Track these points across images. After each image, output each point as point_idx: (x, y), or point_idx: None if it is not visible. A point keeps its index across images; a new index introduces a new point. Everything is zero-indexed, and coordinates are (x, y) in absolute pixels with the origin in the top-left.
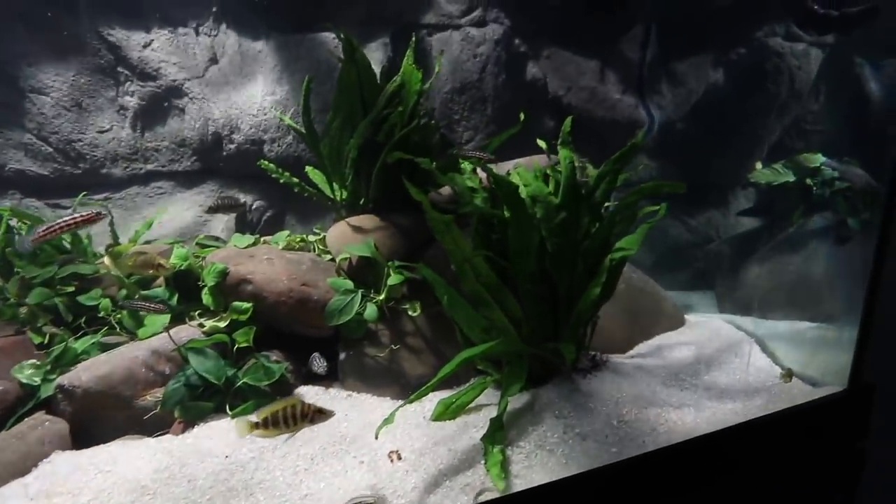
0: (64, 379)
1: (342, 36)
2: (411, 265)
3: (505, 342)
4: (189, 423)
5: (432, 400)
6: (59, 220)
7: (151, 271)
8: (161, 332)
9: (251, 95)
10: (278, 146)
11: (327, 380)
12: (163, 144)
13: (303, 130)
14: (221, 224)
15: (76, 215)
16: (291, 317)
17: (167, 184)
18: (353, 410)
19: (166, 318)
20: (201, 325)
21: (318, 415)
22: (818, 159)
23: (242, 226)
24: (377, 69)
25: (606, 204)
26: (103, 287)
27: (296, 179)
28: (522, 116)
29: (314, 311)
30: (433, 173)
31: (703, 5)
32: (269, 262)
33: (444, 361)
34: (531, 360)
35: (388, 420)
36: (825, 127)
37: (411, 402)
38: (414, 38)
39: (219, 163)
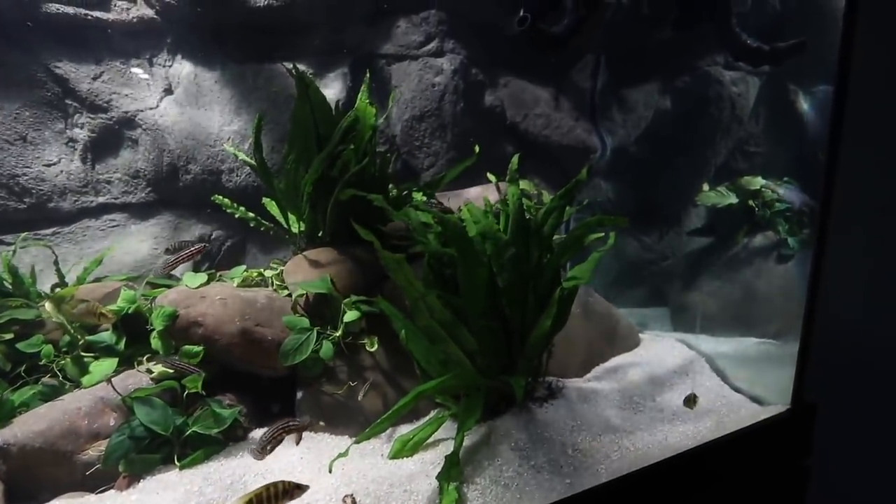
0: (1, 435)
1: (295, 71)
2: (370, 299)
3: (459, 375)
4: (135, 478)
5: (391, 436)
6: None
7: (94, 320)
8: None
9: (207, 126)
10: (237, 176)
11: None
12: (115, 176)
13: (253, 163)
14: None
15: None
16: (245, 358)
17: (120, 216)
18: (309, 452)
19: (113, 363)
20: (149, 371)
21: (297, 490)
22: (758, 182)
23: (203, 256)
24: (337, 99)
25: (555, 237)
26: (46, 332)
27: (251, 214)
28: (477, 148)
29: (268, 352)
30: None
31: (647, 38)
32: (221, 303)
33: (403, 395)
34: (488, 392)
35: (342, 454)
36: (766, 149)
37: (367, 438)
38: (368, 73)
39: (175, 193)
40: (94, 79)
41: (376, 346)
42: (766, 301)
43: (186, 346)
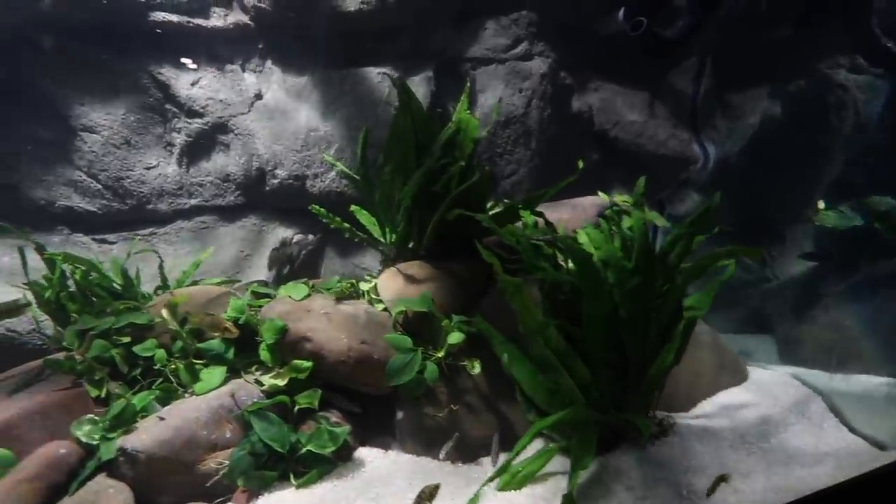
0: (126, 442)
1: (397, 82)
2: (469, 319)
3: (576, 411)
4: (253, 494)
5: (488, 464)
6: None
7: (218, 333)
8: (218, 388)
9: (295, 131)
10: (321, 181)
11: (384, 438)
12: (207, 179)
13: (355, 176)
14: (264, 259)
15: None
16: (351, 376)
17: (210, 218)
18: (416, 478)
19: (222, 372)
20: (259, 383)
21: None
22: (888, 202)
23: (284, 260)
24: (422, 104)
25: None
26: (156, 335)
27: (347, 225)
28: (581, 163)
29: (374, 371)
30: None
31: (759, 37)
32: (326, 318)
33: (504, 421)
34: (601, 427)
35: (473, 501)
36: (891, 162)
37: (507, 484)
38: (468, 82)
39: (261, 197)
40: (193, 84)
41: (478, 370)
42: (892, 336)
43: (296, 361)
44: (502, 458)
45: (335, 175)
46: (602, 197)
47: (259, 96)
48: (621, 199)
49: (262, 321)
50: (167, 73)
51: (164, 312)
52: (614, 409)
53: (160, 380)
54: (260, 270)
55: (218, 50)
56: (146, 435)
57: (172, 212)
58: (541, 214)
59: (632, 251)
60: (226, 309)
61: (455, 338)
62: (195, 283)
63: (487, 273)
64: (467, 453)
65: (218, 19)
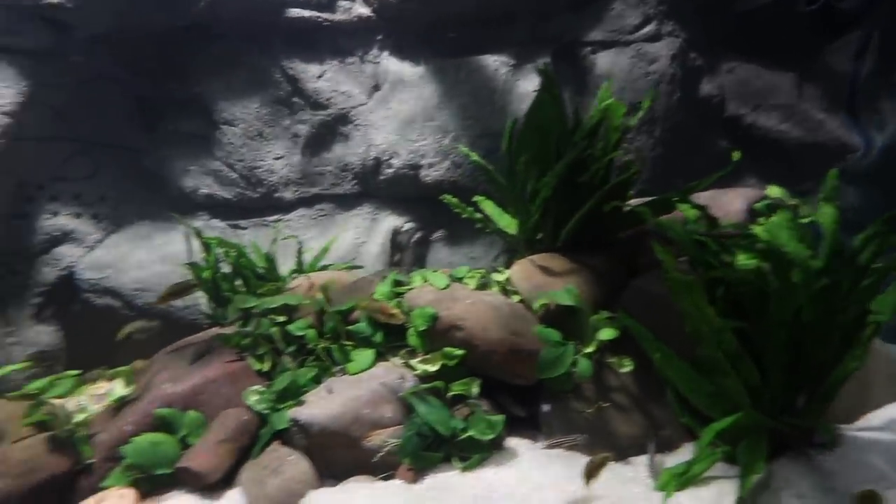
0: (300, 414)
1: (542, 70)
2: (614, 315)
3: (749, 415)
4: (419, 473)
5: (643, 462)
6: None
7: (382, 317)
8: (369, 369)
9: (411, 121)
10: (434, 171)
11: (527, 430)
12: (327, 169)
13: (489, 167)
14: (376, 246)
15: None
16: (502, 366)
17: (328, 206)
18: (571, 469)
19: (371, 355)
20: (410, 367)
21: None
22: None
23: (394, 247)
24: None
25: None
26: (303, 316)
27: (479, 215)
28: (737, 155)
29: (524, 362)
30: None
31: None
32: (473, 307)
33: (652, 421)
34: (770, 433)
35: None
36: None
37: (659, 482)
38: (609, 82)
39: (376, 186)
40: (318, 77)
41: (629, 368)
42: None
43: (447, 349)
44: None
45: (449, 165)
46: (749, 190)
47: (377, 87)
48: (777, 192)
49: (409, 308)
50: (297, 67)
51: (319, 295)
52: (785, 415)
53: (312, 357)
54: (373, 257)
55: (341, 43)
56: (317, 409)
57: (296, 199)
58: (703, 208)
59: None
60: (366, 293)
61: (608, 334)
62: (324, 267)
63: (625, 268)
64: (617, 452)
65: (343, 13)
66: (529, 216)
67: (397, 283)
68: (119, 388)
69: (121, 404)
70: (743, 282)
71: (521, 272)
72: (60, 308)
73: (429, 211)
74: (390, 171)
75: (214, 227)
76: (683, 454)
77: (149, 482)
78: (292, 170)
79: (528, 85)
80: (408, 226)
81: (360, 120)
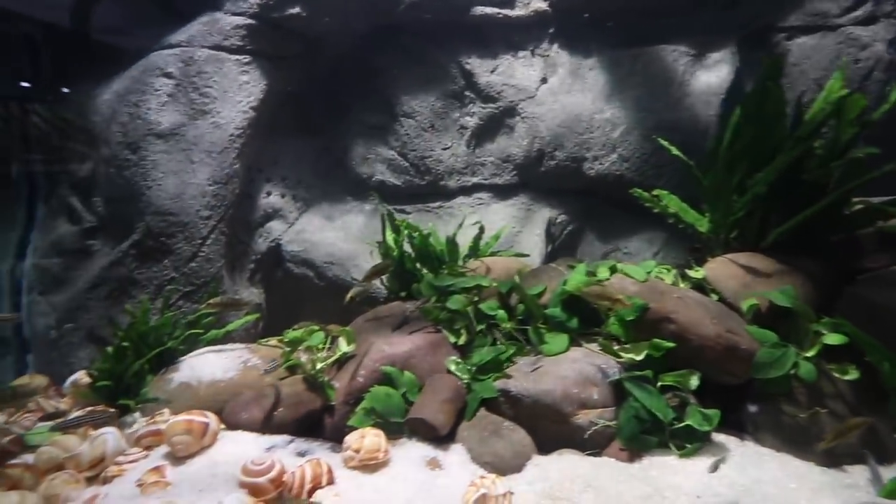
0: (510, 385)
1: (768, 58)
2: (835, 321)
3: None
4: (634, 454)
5: (842, 469)
6: None
7: (607, 303)
8: (564, 353)
9: (579, 113)
10: (599, 164)
11: (731, 429)
12: (489, 160)
13: (689, 161)
14: (532, 236)
15: None
16: (715, 362)
17: (486, 195)
18: (788, 469)
19: (565, 339)
20: (613, 354)
21: None
22: None
23: (546, 238)
24: (720, 84)
25: None
26: (487, 297)
27: (672, 210)
28: None
29: (739, 360)
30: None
31: None
32: (682, 301)
33: (871, 433)
34: None
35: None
36: None
37: (884, 490)
38: (841, 72)
39: (535, 177)
40: (492, 72)
41: (853, 376)
42: None
43: (655, 340)
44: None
45: (615, 158)
46: None
47: (544, 80)
48: None
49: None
50: (473, 62)
51: (517, 277)
52: None
53: (501, 336)
54: (528, 247)
55: (514, 37)
56: (528, 383)
57: (458, 188)
58: None
59: None
60: (553, 280)
61: (834, 339)
62: (493, 254)
63: (839, 274)
64: (831, 459)
65: (521, 8)
66: (732, 213)
67: (589, 273)
68: (343, 345)
69: (344, 359)
70: None
71: (723, 271)
72: (266, 274)
73: (583, 204)
74: (552, 162)
75: (382, 211)
76: None
77: (384, 427)
78: (457, 160)
79: (710, 76)
80: (561, 217)
81: (526, 112)
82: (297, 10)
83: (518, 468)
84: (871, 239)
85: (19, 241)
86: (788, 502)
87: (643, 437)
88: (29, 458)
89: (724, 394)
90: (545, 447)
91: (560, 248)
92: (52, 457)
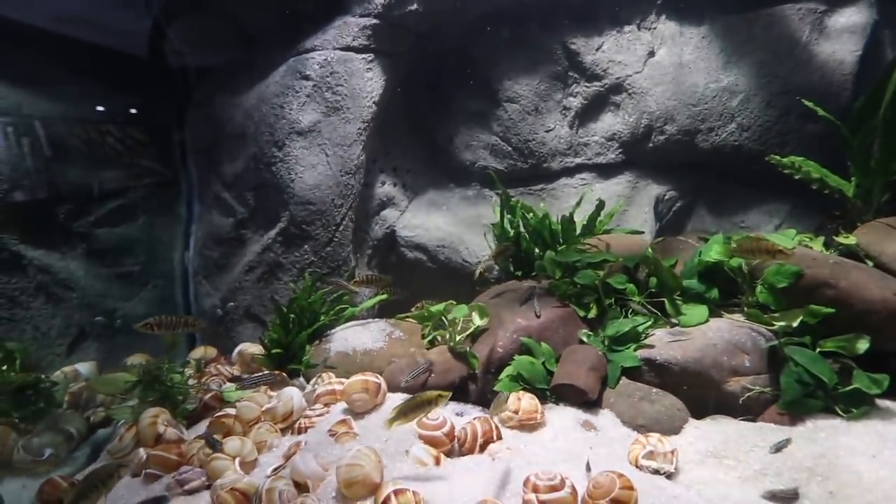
0: (654, 354)
1: None
2: None
3: None
4: (794, 418)
5: None
6: None
7: (765, 257)
8: (705, 323)
9: (692, 84)
10: (715, 136)
11: (890, 396)
12: (592, 139)
13: (838, 122)
14: (640, 214)
15: None
16: (879, 328)
17: (589, 175)
18: None
19: (704, 310)
20: (763, 322)
21: None
22: None
23: (656, 216)
24: (854, 42)
25: None
26: (610, 272)
27: (815, 175)
28: None
29: None
30: None
31: None
32: (840, 266)
33: None
34: None
35: None
36: None
37: None
38: None
39: (642, 154)
40: (597, 50)
41: None
42: None
43: (812, 306)
44: None
45: (734, 128)
46: None
47: (652, 53)
48: None
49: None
50: (577, 41)
51: (649, 250)
52: None
53: (630, 309)
54: (636, 225)
55: (618, 13)
56: (672, 351)
57: (561, 169)
58: None
59: None
60: (683, 253)
61: None
62: (607, 231)
63: None
64: None
65: None
66: (887, 174)
67: (728, 243)
68: (476, 319)
69: (477, 332)
70: None
71: (878, 235)
72: (382, 258)
73: (693, 179)
74: (662, 137)
75: (484, 196)
76: None
77: (531, 393)
78: (560, 141)
79: (842, 34)
80: (670, 194)
81: (634, 88)
82: (414, 6)
83: (675, 430)
84: None
85: (184, 233)
86: None
87: (806, 400)
88: (230, 411)
89: (885, 361)
90: (696, 413)
91: (667, 226)
92: (251, 410)
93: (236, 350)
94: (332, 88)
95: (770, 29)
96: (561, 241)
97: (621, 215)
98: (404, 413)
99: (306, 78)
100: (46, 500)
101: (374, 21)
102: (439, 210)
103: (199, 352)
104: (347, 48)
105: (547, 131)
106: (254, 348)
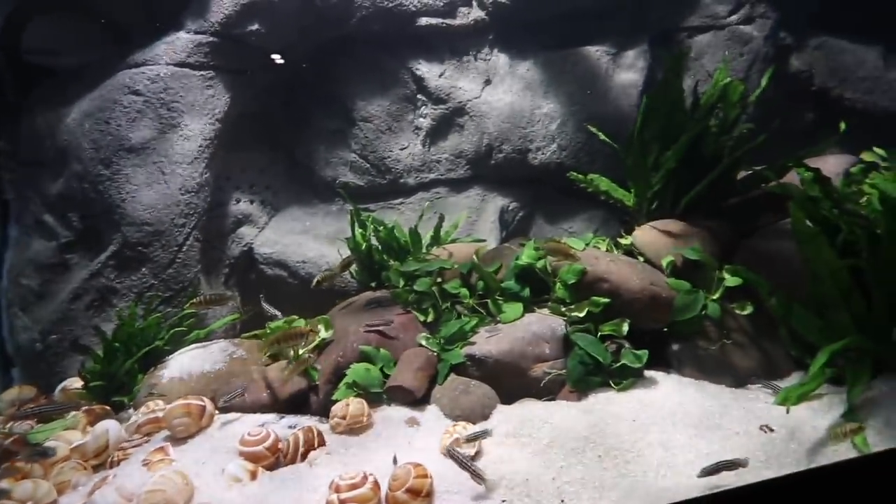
0: (475, 350)
1: (669, 53)
2: (733, 267)
3: (857, 339)
4: (581, 394)
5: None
6: None
7: (561, 258)
8: (520, 318)
9: (521, 110)
10: (542, 154)
11: (661, 367)
12: (443, 157)
13: (615, 144)
14: (487, 224)
15: None
16: (642, 312)
17: (443, 189)
18: (705, 390)
19: (520, 307)
20: (561, 314)
21: None
22: None
23: (500, 225)
24: (637, 78)
25: None
26: (450, 279)
27: (604, 188)
28: (843, 126)
29: (662, 308)
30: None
31: None
32: (614, 264)
33: (766, 356)
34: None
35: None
36: None
37: (798, 399)
38: (725, 64)
39: (486, 170)
40: (440, 76)
41: (749, 310)
42: None
43: (594, 298)
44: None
45: (555, 148)
46: (846, 156)
47: (488, 81)
48: (872, 156)
49: (556, 266)
50: (422, 67)
51: (474, 258)
52: (887, 342)
53: (464, 310)
54: (484, 233)
55: (458, 44)
56: (488, 346)
57: (417, 184)
58: (817, 171)
59: None
60: (508, 259)
61: (733, 281)
62: (453, 241)
63: (736, 231)
64: (738, 381)
65: (462, 17)
66: (650, 187)
67: (537, 248)
68: (322, 332)
69: (324, 344)
70: (858, 226)
71: (645, 236)
72: (241, 277)
73: (531, 191)
74: (500, 155)
75: (347, 211)
76: (793, 380)
77: (366, 398)
78: (414, 158)
79: (629, 73)
80: (513, 205)
81: (474, 111)
82: (255, 26)
83: (485, 417)
84: (758, 200)
85: None
86: (707, 415)
87: (588, 378)
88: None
89: (652, 337)
90: (509, 398)
91: (513, 233)
92: (58, 450)
93: (59, 387)
94: (167, 105)
95: (577, 65)
96: (411, 251)
97: (472, 225)
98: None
99: (136, 93)
100: None
101: (211, 38)
102: (302, 226)
103: (12, 392)
104: (182, 64)
105: (401, 149)
106: (79, 384)
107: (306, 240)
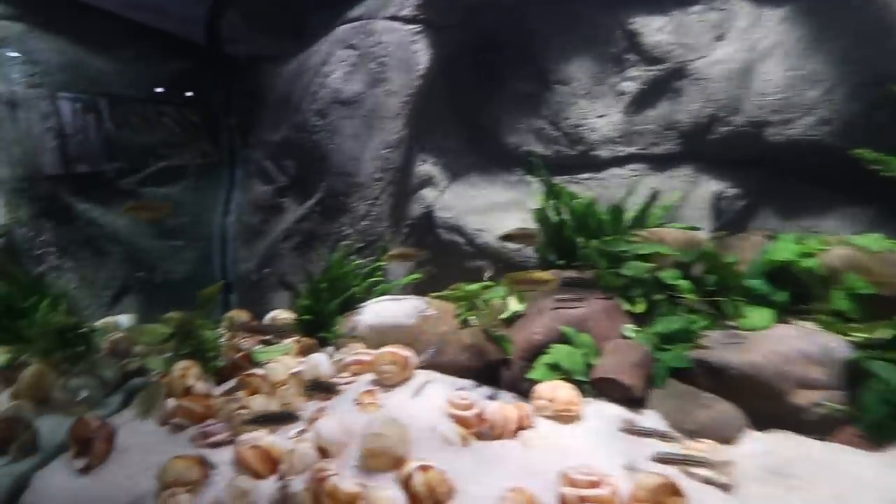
0: (707, 355)
1: None
2: None
3: None
4: (874, 443)
5: None
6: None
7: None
8: (768, 328)
9: (765, 72)
10: (790, 129)
11: None
12: (648, 128)
13: None
14: (695, 211)
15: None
16: None
17: (642, 166)
18: None
19: (770, 314)
20: (842, 332)
21: None
22: None
23: (715, 214)
24: None
25: None
26: (656, 267)
27: None
28: None
29: None
30: None
31: None
32: None
33: None
34: None
35: None
36: None
37: None
38: None
39: (702, 146)
40: (659, 30)
41: None
42: None
43: None
44: None
45: (814, 121)
46: None
47: (720, 37)
48: None
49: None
50: (638, 21)
51: (713, 246)
52: None
53: (681, 307)
54: (689, 223)
55: None
56: (728, 355)
57: (610, 158)
58: None
59: None
60: (745, 251)
61: None
62: (659, 225)
63: None
64: None
65: None
66: None
67: (798, 242)
68: (513, 304)
69: (514, 317)
70: None
71: None
72: (419, 238)
73: (758, 176)
74: (726, 129)
75: (526, 182)
76: None
77: (567, 383)
78: (613, 128)
79: None
80: (732, 191)
81: (698, 73)
82: None
83: (727, 440)
84: None
85: (225, 198)
86: None
87: (892, 423)
88: (258, 371)
89: None
90: (755, 425)
91: (726, 227)
92: (278, 372)
93: (268, 316)
94: (377, 59)
95: (860, 11)
96: (608, 232)
97: (674, 211)
98: (515, 282)
99: (351, 47)
100: (77, 437)
101: None
102: (479, 193)
103: (233, 313)
104: (394, 17)
105: (599, 116)
106: (285, 315)
107: (484, 208)
